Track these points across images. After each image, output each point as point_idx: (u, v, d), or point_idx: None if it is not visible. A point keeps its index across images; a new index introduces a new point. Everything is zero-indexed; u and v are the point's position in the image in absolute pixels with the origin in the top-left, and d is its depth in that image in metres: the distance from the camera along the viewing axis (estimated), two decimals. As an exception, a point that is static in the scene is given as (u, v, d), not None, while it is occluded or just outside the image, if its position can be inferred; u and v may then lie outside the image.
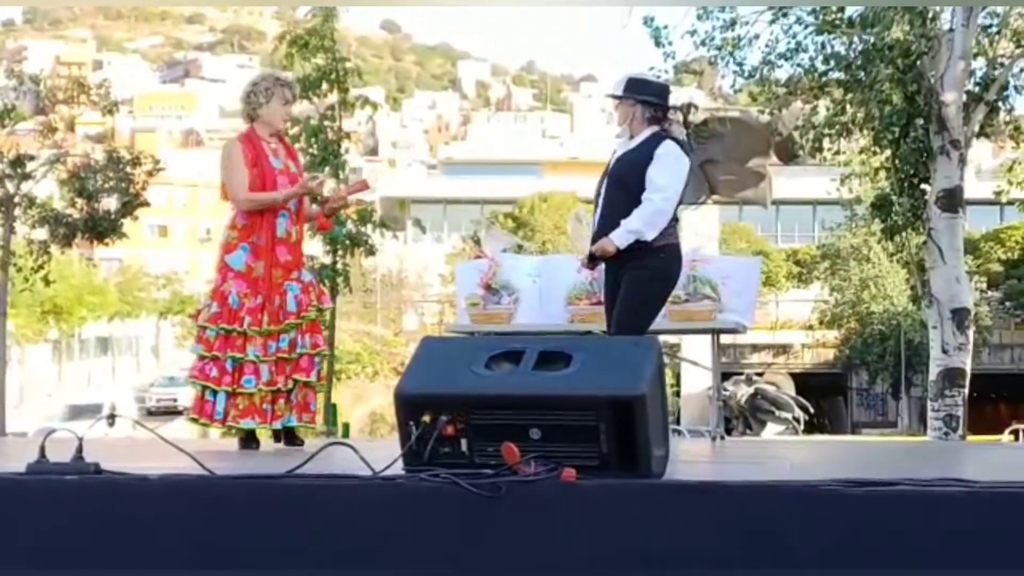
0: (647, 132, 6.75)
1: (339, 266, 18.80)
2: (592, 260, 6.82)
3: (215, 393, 6.72)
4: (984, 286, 41.05)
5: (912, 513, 3.44)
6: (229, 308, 6.75)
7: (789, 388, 36.12)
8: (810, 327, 45.21)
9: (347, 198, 7.77)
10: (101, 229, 23.07)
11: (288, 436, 6.88)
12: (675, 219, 6.76)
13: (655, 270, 6.69)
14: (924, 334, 19.58)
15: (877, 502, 3.47)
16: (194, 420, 6.91)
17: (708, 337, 9.00)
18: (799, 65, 16.09)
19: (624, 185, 6.65)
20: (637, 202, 6.59)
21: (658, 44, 16.01)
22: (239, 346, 6.73)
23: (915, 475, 3.79)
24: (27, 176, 23.18)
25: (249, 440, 6.84)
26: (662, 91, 7.00)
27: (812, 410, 34.53)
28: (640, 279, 6.65)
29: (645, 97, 6.81)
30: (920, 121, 15.30)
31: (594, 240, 6.74)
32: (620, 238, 6.61)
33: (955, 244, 15.27)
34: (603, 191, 6.78)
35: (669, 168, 6.69)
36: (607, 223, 6.66)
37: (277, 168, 6.89)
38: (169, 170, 29.86)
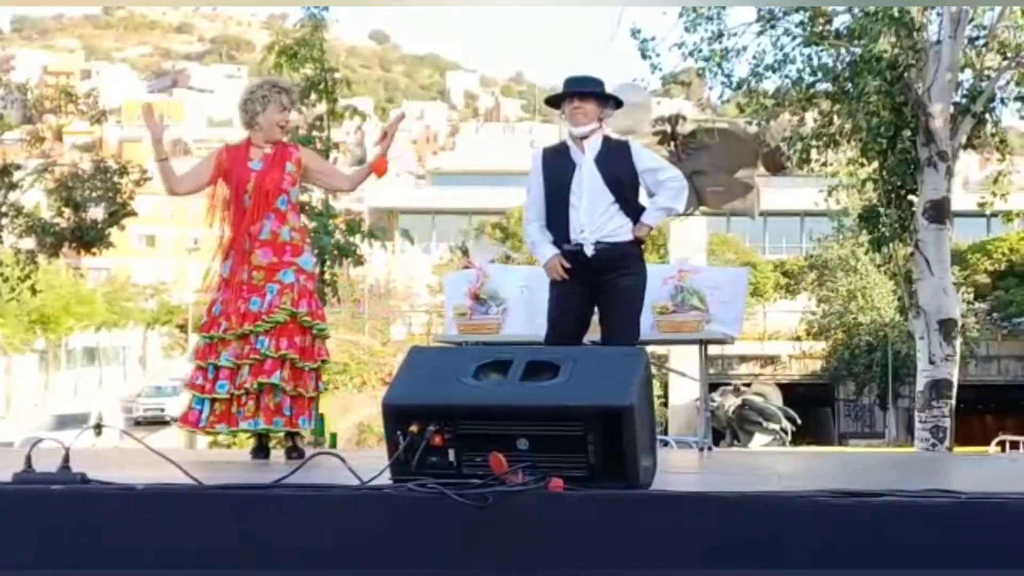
0: (602, 132, 6.78)
1: (327, 276, 18.75)
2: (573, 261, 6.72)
3: (201, 401, 6.72)
4: (971, 297, 41.13)
5: (899, 524, 3.45)
6: (212, 316, 6.79)
7: (776, 399, 36.09)
8: (798, 338, 45.23)
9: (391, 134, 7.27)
10: (88, 239, 23.04)
11: (292, 447, 6.85)
12: None
13: (641, 276, 6.75)
14: (911, 345, 19.59)
15: (864, 513, 3.48)
16: (181, 426, 6.91)
17: (696, 348, 8.99)
18: (787, 77, 16.12)
19: (621, 183, 6.64)
20: (630, 199, 6.63)
21: (644, 56, 16.04)
22: (217, 352, 6.73)
23: (902, 486, 3.79)
24: (14, 185, 23.15)
25: (258, 449, 6.80)
26: None
27: (799, 421, 34.51)
28: (631, 287, 6.69)
29: (612, 98, 6.84)
30: (907, 133, 15.34)
31: (573, 244, 6.65)
32: (654, 217, 6.72)
33: (942, 255, 15.30)
34: (590, 188, 6.63)
35: (658, 157, 6.88)
36: (608, 220, 6.63)
37: (254, 170, 6.85)
38: (156, 180, 29.81)
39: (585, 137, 6.70)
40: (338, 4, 19.86)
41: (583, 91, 6.76)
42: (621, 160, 6.70)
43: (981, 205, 17.22)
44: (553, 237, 6.74)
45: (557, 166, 6.75)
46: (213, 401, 6.71)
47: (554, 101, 6.91)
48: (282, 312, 6.70)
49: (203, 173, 7.00)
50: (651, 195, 6.80)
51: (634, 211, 6.68)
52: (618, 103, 6.86)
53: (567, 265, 6.66)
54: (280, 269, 6.80)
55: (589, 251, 6.62)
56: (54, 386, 46.95)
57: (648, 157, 6.86)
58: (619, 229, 6.63)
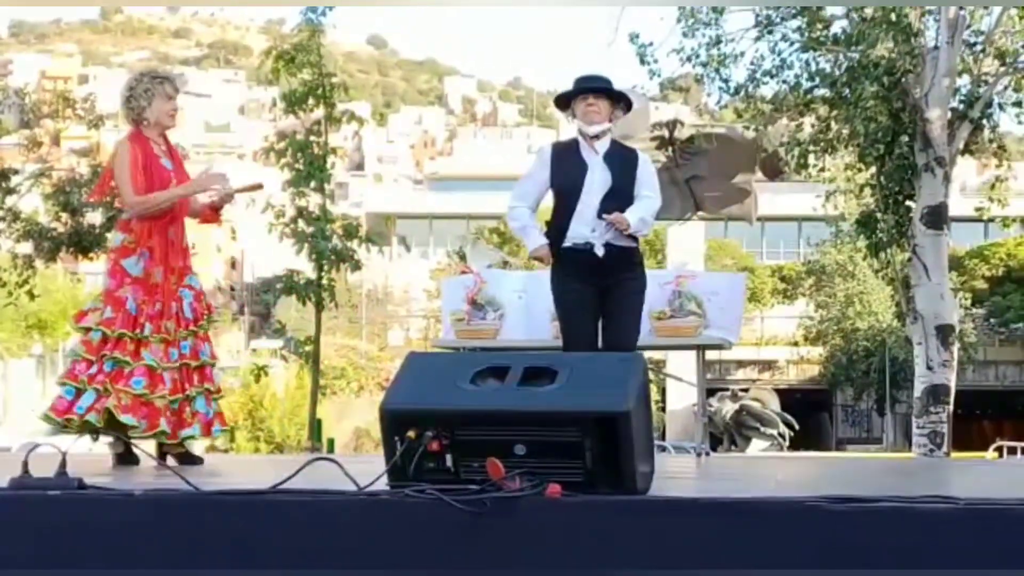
0: (611, 135, 6.77)
1: (325, 281, 18.77)
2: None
3: (78, 391, 6.48)
4: (969, 303, 41.17)
5: (896, 530, 3.44)
6: (127, 313, 6.54)
7: (774, 404, 36.08)
8: (795, 343, 45.27)
9: (235, 195, 7.19)
10: (86, 243, 23.00)
11: (185, 454, 6.61)
12: None
13: (643, 280, 6.78)
14: (909, 351, 19.62)
15: (862, 519, 3.48)
16: (48, 419, 6.54)
17: (693, 353, 9.02)
18: (784, 82, 16.13)
19: (627, 190, 6.65)
20: (631, 200, 6.63)
21: (643, 62, 16.04)
22: (131, 351, 6.51)
23: (900, 492, 3.79)
24: (11, 190, 23.13)
25: (128, 455, 6.54)
26: None
27: (797, 426, 34.51)
28: (639, 290, 6.71)
29: (624, 99, 6.85)
30: (905, 138, 15.34)
31: (584, 243, 6.61)
32: (640, 226, 6.65)
33: (940, 261, 15.30)
34: (601, 189, 6.61)
35: (656, 183, 6.85)
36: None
37: (168, 169, 6.74)
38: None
39: (597, 137, 6.68)
40: (337, 3, 19.81)
41: (597, 88, 6.73)
42: (629, 168, 6.69)
43: (979, 210, 17.24)
44: (561, 234, 6.69)
45: (569, 163, 6.70)
46: (104, 393, 6.46)
47: (563, 101, 6.85)
48: (206, 320, 6.72)
49: (134, 181, 6.69)
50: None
51: None
52: (628, 105, 6.86)
53: (549, 259, 6.69)
54: (187, 274, 6.76)
55: (600, 251, 6.59)
56: (51, 391, 46.89)
57: (651, 174, 6.84)
58: (624, 234, 6.61)
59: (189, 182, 6.83)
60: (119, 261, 6.64)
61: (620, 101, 6.77)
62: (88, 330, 6.59)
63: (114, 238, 6.79)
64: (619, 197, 6.62)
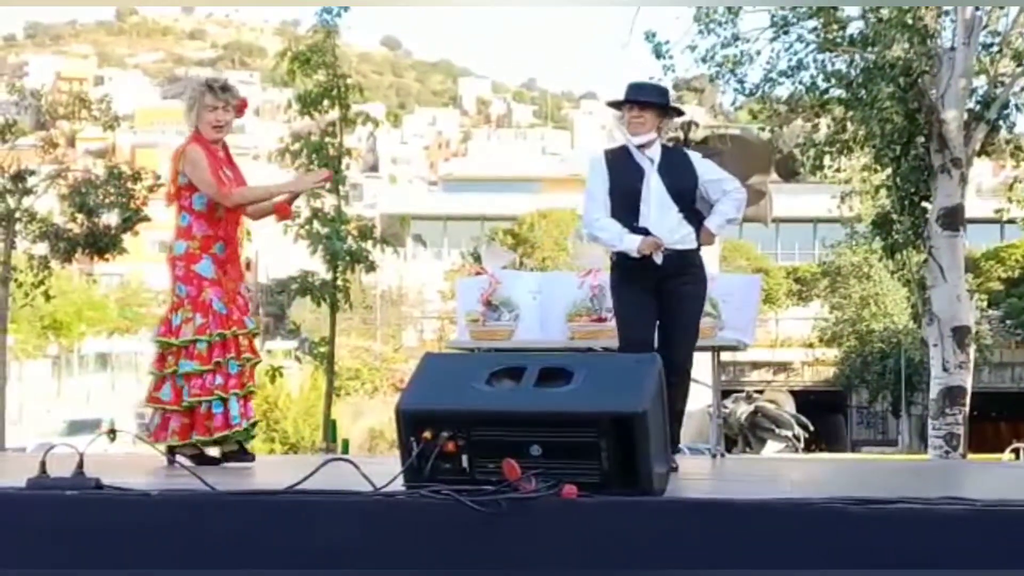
0: (660, 141, 6.73)
1: (339, 282, 18.80)
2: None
3: (223, 401, 6.44)
4: (984, 304, 41.07)
5: (913, 531, 3.44)
6: (217, 314, 6.50)
7: (789, 406, 36.06)
8: (810, 345, 45.23)
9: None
10: (101, 244, 23.09)
11: (200, 455, 6.54)
12: None
13: (703, 283, 6.75)
14: (924, 352, 19.58)
15: (878, 520, 3.47)
16: (204, 442, 6.44)
17: (708, 354, 8.99)
18: (800, 83, 16.13)
19: (685, 192, 6.58)
20: (692, 208, 6.61)
21: (659, 57, 16.00)
22: (246, 347, 6.57)
23: (915, 493, 3.78)
24: (28, 191, 23.23)
25: (244, 454, 6.60)
26: None
27: (812, 428, 34.45)
28: (700, 294, 6.70)
29: (673, 110, 6.84)
30: (921, 139, 15.33)
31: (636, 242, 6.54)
32: (718, 225, 6.68)
33: (956, 262, 15.27)
34: (658, 195, 6.54)
35: (718, 167, 6.83)
36: (677, 227, 6.57)
37: (230, 178, 6.66)
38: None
39: (643, 146, 6.65)
40: (352, 3, 19.86)
41: (642, 100, 6.64)
42: (684, 170, 6.63)
43: (998, 212, 17.22)
44: None
45: (623, 170, 6.63)
46: (246, 397, 6.57)
47: (616, 104, 6.83)
48: (252, 326, 6.77)
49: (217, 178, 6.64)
50: (710, 203, 6.70)
51: (695, 219, 6.63)
52: (679, 113, 6.85)
53: (662, 242, 6.53)
54: (241, 280, 6.79)
55: (659, 258, 6.51)
56: (66, 392, 47.03)
57: (710, 167, 6.79)
58: (686, 237, 6.56)
59: (293, 180, 6.83)
60: (191, 267, 6.56)
61: (669, 111, 6.74)
62: (193, 343, 6.46)
63: (176, 246, 6.62)
64: (682, 199, 6.58)
